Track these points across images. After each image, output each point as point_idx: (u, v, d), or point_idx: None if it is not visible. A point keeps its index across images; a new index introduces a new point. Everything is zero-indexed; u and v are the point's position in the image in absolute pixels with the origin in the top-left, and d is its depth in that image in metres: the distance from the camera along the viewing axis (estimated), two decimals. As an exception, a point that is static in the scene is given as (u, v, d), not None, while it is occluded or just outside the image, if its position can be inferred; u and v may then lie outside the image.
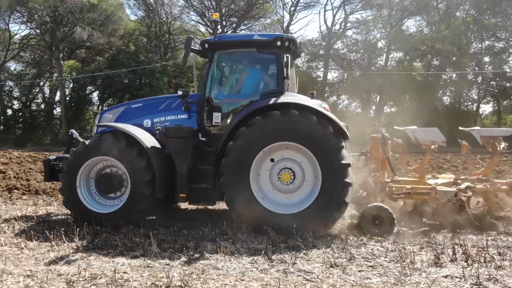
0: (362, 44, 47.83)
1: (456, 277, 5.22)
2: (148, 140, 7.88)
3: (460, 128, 9.20)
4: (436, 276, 5.25)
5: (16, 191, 12.18)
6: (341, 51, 49.59)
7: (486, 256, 5.95)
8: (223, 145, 7.61)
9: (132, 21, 53.69)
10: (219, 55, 8.40)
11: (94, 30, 47.24)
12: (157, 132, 8.28)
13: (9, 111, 55.59)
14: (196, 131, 8.21)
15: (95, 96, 53.29)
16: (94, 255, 6.09)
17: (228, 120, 8.16)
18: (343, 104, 52.22)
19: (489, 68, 41.64)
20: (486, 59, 42.66)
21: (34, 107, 56.72)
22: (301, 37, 52.55)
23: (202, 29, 50.96)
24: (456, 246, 6.33)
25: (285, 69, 7.89)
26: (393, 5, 45.51)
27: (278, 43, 7.99)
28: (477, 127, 8.61)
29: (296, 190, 7.57)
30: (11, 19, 51.65)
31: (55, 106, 55.21)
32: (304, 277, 5.24)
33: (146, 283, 4.96)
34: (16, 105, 56.15)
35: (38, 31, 50.63)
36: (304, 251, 6.29)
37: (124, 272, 5.32)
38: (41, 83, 54.38)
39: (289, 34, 8.57)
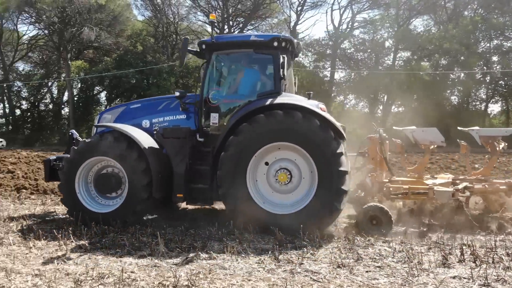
0: (369, 44, 47.72)
1: (464, 278, 5.19)
2: (146, 141, 7.94)
3: (458, 128, 9.13)
4: (444, 276, 5.22)
5: (24, 190, 12.27)
6: (348, 51, 49.54)
7: (494, 257, 5.91)
8: (220, 144, 7.65)
9: (139, 21, 53.97)
10: (216, 56, 8.43)
11: (101, 31, 47.51)
12: (155, 132, 8.32)
13: (18, 111, 56.10)
14: (194, 131, 8.25)
15: (102, 96, 53.68)
16: (101, 254, 6.12)
17: (226, 121, 8.17)
18: (350, 104, 52.17)
19: (498, 67, 41.39)
20: (495, 58, 42.50)
21: (42, 107, 57.25)
22: (308, 37, 52.61)
23: (209, 29, 51.00)
24: (464, 247, 6.29)
25: (281, 69, 7.89)
26: (400, 4, 45.37)
27: (275, 43, 8.00)
28: (476, 127, 8.55)
29: (295, 189, 7.58)
30: (19, 19, 52.23)
31: (63, 106, 55.66)
32: (311, 277, 5.23)
33: (154, 283, 4.97)
34: (25, 105, 56.68)
35: (46, 31, 51.04)
36: (311, 251, 6.27)
37: (131, 272, 5.34)
38: (49, 84, 54.79)
39: (286, 35, 8.56)
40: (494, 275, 5.22)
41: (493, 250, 6.26)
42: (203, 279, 5.09)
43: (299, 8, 49.36)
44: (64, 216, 8.97)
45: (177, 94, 8.36)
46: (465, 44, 39.53)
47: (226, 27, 50.34)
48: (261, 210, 7.40)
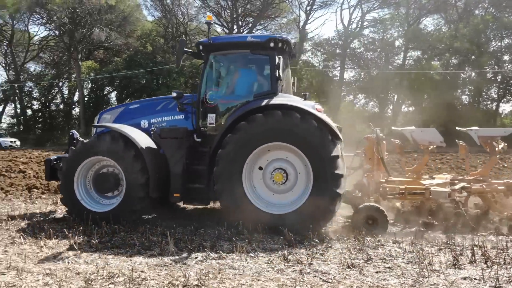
0: (379, 43, 47.53)
1: (475, 279, 5.15)
2: (144, 141, 8.00)
3: (457, 128, 9.06)
4: (454, 278, 5.18)
5: (35, 190, 12.36)
6: (358, 50, 49.36)
7: (505, 258, 5.86)
8: (216, 144, 7.69)
9: (149, 22, 54.20)
10: (213, 57, 8.48)
11: (112, 31, 47.79)
12: (152, 132, 8.38)
13: (29, 111, 56.58)
14: (191, 131, 8.30)
15: (113, 96, 54.00)
16: (112, 254, 6.15)
17: (223, 121, 8.20)
18: (359, 103, 51.97)
19: (509, 66, 40.97)
20: (506, 57, 42.05)
21: (53, 107, 57.71)
22: (317, 36, 52.41)
23: (219, 29, 51.13)
24: (475, 248, 6.24)
25: (277, 70, 7.91)
26: (410, 3, 45.09)
27: (271, 44, 8.02)
28: (475, 127, 8.48)
29: (294, 186, 7.62)
30: (30, 20, 52.67)
31: (73, 106, 56.06)
32: (320, 278, 5.22)
33: (163, 282, 4.99)
34: (36, 105, 57.20)
35: (57, 32, 51.47)
36: (320, 252, 6.26)
37: (141, 271, 5.36)
38: (60, 84, 55.23)
39: (282, 35, 8.58)
40: (506, 276, 5.18)
41: (505, 251, 6.21)
42: (212, 279, 5.10)
43: (308, 8, 49.31)
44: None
45: (174, 94, 8.44)
46: (476, 43, 39.22)
47: (235, 27, 50.40)
48: (263, 213, 7.45)
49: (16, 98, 54.55)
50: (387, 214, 7.59)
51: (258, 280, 5.13)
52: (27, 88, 55.53)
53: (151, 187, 7.81)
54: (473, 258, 5.84)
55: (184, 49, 8.47)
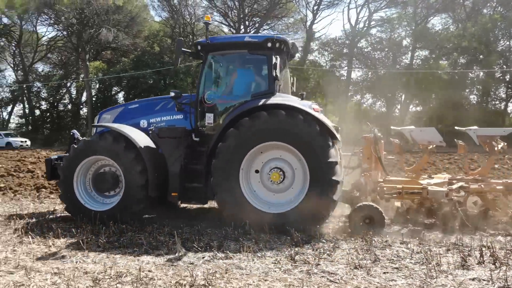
0: (386, 43, 47.37)
1: (484, 280, 5.11)
2: (142, 141, 8.06)
3: (456, 128, 9.00)
4: (463, 278, 5.15)
5: (44, 190, 12.44)
6: (365, 50, 49.22)
7: (515, 258, 5.82)
8: (213, 145, 7.73)
9: (156, 22, 54.37)
10: (212, 57, 8.52)
11: (119, 32, 47.98)
12: (150, 132, 8.41)
13: (37, 112, 56.95)
14: (189, 131, 8.34)
15: (120, 96, 54.21)
16: (119, 253, 6.18)
17: (221, 121, 8.23)
18: (367, 103, 51.82)
19: (518, 66, 40.67)
20: (515, 57, 41.71)
21: (61, 107, 58.10)
22: (324, 36, 52.32)
23: (225, 29, 51.20)
24: (483, 248, 6.19)
25: (275, 70, 7.92)
26: (418, 3, 44.89)
27: (269, 44, 8.05)
28: (474, 127, 8.42)
29: (293, 183, 7.65)
30: (38, 21, 53.06)
31: (81, 106, 56.39)
32: (327, 278, 5.20)
33: (171, 282, 5.00)
34: (44, 105, 57.60)
35: (65, 33, 51.78)
36: (327, 252, 6.25)
37: (149, 271, 5.38)
38: (68, 84, 55.57)
39: (280, 36, 8.61)
40: (515, 277, 5.13)
41: (514, 251, 6.17)
42: (219, 279, 5.10)
43: (315, 7, 49.26)
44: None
45: (172, 94, 8.50)
46: (484, 43, 38.98)
47: (242, 27, 50.42)
48: (265, 213, 7.48)
49: (25, 98, 54.96)
50: (385, 214, 7.56)
51: (265, 280, 5.13)
52: (36, 89, 55.97)
53: (150, 186, 7.87)
54: (481, 258, 5.80)
55: (182, 49, 8.50)
